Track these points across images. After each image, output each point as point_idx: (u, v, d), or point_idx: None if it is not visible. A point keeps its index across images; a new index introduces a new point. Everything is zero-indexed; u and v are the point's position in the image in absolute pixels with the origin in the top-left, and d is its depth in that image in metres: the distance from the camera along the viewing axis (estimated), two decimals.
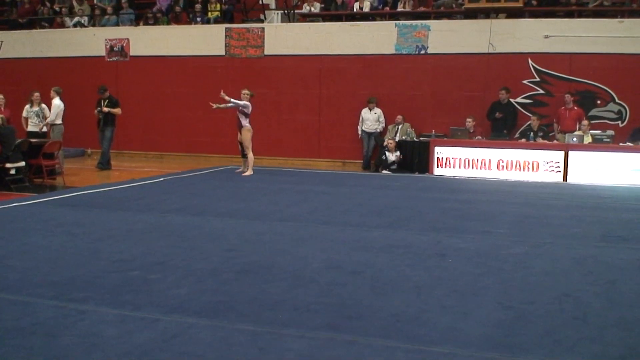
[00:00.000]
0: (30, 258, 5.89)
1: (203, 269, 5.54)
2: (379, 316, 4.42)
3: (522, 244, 6.81)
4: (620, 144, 12.89)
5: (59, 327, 4.11)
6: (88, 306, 4.52)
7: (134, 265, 5.59)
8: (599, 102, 13.77)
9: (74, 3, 18.81)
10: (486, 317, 4.45)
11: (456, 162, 13.39)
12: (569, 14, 14.37)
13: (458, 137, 13.60)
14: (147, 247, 6.29)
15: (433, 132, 14.04)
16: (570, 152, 12.72)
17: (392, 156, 13.93)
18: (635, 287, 5.26)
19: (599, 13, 14.12)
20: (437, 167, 13.49)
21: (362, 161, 15.12)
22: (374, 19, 15.80)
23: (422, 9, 15.36)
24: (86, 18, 18.26)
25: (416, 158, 13.93)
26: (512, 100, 14.12)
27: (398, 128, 14.59)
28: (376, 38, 15.11)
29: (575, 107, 13.56)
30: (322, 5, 16.31)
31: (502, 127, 13.91)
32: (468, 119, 13.89)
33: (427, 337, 4.03)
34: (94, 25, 18.06)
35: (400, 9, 15.48)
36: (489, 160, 13.18)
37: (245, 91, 12.71)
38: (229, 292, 4.91)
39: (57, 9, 18.95)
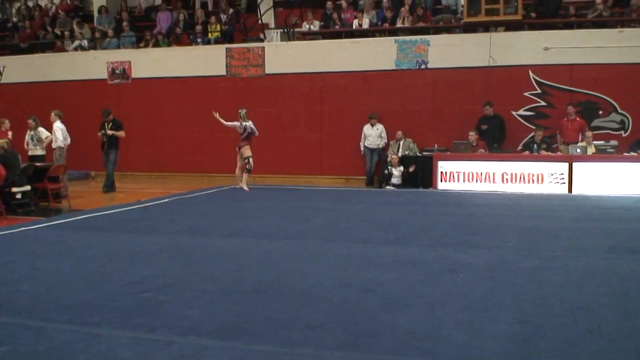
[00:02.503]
0: (41, 282, 5.88)
1: (214, 289, 5.53)
2: (393, 333, 4.40)
3: (532, 257, 6.80)
4: (625, 153, 12.90)
5: (74, 351, 4.10)
6: (102, 330, 4.51)
7: (144, 288, 5.58)
8: (601, 112, 13.81)
9: (75, 27, 18.93)
10: (501, 332, 4.44)
11: (460, 175, 13.40)
12: (569, 25, 14.45)
13: (461, 151, 13.62)
14: (156, 269, 6.28)
15: (435, 147, 14.08)
16: (574, 164, 12.73)
17: (395, 171, 13.95)
18: None
19: (599, 24, 14.19)
20: (441, 181, 13.50)
21: (365, 177, 15.14)
22: (373, 36, 15.88)
23: (421, 24, 15.43)
24: (86, 41, 18.36)
25: (420, 173, 13.94)
26: (513, 112, 14.16)
27: (400, 143, 14.62)
28: (376, 54, 15.20)
29: (578, 118, 13.60)
30: (322, 23, 16.41)
31: (491, 140, 13.93)
32: (470, 133, 13.92)
33: (444, 354, 4.02)
34: (95, 49, 18.16)
35: (399, 24, 15.57)
36: (493, 173, 13.19)
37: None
38: (241, 312, 4.90)
39: (58, 32, 19.07)
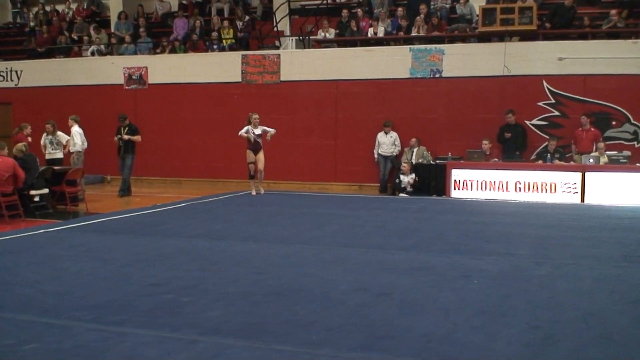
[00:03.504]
0: (64, 283, 6.04)
1: (233, 292, 5.66)
2: (409, 336, 4.52)
3: (545, 265, 6.90)
4: (637, 164, 12.94)
5: (100, 350, 4.24)
6: (126, 328, 4.65)
7: (166, 289, 5.72)
8: (614, 123, 13.85)
9: (92, 32, 19.20)
10: (515, 336, 4.54)
11: (473, 184, 13.49)
12: (583, 36, 14.51)
13: (474, 159, 13.71)
14: (176, 271, 6.43)
15: (449, 155, 14.17)
16: (587, 173, 12.80)
17: (406, 179, 14.07)
18: None
19: (613, 34, 14.24)
20: (454, 189, 13.60)
21: (378, 184, 15.24)
22: (388, 44, 16.00)
23: (436, 33, 15.54)
24: (103, 46, 18.61)
25: (433, 181, 14.05)
26: (527, 121, 14.24)
27: (413, 151, 14.72)
28: (391, 62, 15.32)
29: (592, 129, 13.66)
30: (337, 31, 16.56)
31: (513, 148, 14.01)
32: (484, 141, 14.01)
33: (460, 357, 4.13)
34: (111, 54, 18.40)
35: (414, 33, 15.69)
36: (506, 182, 13.27)
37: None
38: (261, 314, 5.03)
39: (75, 37, 19.33)
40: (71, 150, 13.80)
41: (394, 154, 15.04)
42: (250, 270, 6.49)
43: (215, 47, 17.39)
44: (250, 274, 6.32)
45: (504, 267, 6.76)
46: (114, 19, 19.51)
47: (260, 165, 13.70)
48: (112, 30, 19.24)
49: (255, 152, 13.60)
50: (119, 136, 14.14)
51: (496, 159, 13.87)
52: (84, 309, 5.15)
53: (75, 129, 13.84)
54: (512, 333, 4.62)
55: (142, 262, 6.89)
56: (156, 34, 18.88)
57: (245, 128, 13.57)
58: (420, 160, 14.50)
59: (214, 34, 17.50)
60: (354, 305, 5.25)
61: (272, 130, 13.64)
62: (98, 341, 4.40)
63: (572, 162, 13.54)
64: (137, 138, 14.29)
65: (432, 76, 15.03)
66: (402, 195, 14.01)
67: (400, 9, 16.32)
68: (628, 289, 5.89)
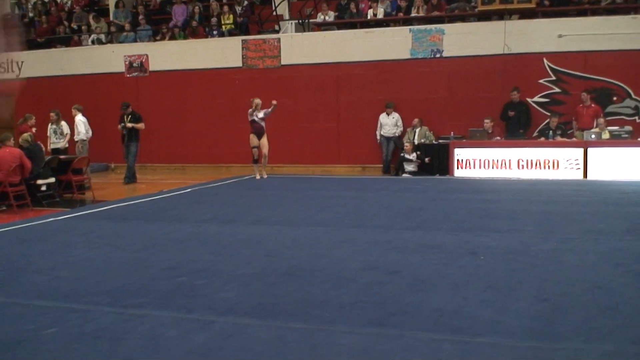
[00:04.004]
0: (79, 269, 6.14)
1: (246, 273, 5.77)
2: (421, 312, 4.63)
3: (550, 240, 7.00)
4: (639, 139, 13.02)
5: (121, 331, 4.35)
6: (145, 311, 4.76)
7: (180, 272, 5.83)
8: (615, 98, 13.92)
9: (91, 21, 19.21)
10: (524, 309, 4.65)
11: (476, 162, 13.59)
12: (582, 13, 14.54)
13: (477, 138, 13.80)
14: (189, 255, 6.54)
15: (452, 134, 14.26)
16: (589, 149, 12.89)
17: (410, 156, 14.18)
18: None
19: (612, 10, 14.27)
20: (458, 168, 13.70)
21: (381, 165, 15.34)
22: (388, 25, 16.01)
23: (435, 13, 15.55)
24: (103, 35, 18.63)
25: (436, 160, 14.14)
26: (528, 99, 14.30)
27: (416, 131, 14.80)
28: (391, 44, 15.35)
29: (593, 105, 13.72)
30: (336, 14, 16.57)
31: (517, 126, 14.09)
32: (486, 120, 14.08)
33: (471, 330, 4.24)
34: (111, 42, 18.43)
35: (414, 14, 15.71)
36: (509, 160, 13.37)
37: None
38: (275, 294, 5.14)
39: (74, 27, 19.34)
40: (75, 139, 13.91)
41: (397, 134, 15.12)
42: (261, 253, 6.60)
43: (215, 32, 17.42)
44: (262, 256, 6.44)
45: (510, 243, 6.86)
46: (112, 7, 19.48)
47: (265, 149, 13.77)
48: (111, 18, 19.24)
49: (259, 137, 13.67)
50: (123, 124, 14.22)
51: (498, 137, 13.95)
52: (101, 293, 5.26)
53: (79, 118, 13.95)
54: (521, 306, 4.73)
55: (154, 247, 7.00)
56: (155, 21, 18.89)
57: (250, 111, 13.61)
58: (422, 141, 14.58)
59: (214, 20, 17.51)
60: (365, 284, 5.36)
61: (273, 104, 13.55)
62: (118, 323, 4.52)
63: (573, 139, 13.63)
64: (141, 125, 14.37)
65: (432, 56, 15.07)
66: (405, 175, 14.11)
67: None
68: (633, 261, 6.00)
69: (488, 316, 4.50)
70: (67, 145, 13.95)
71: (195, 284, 5.47)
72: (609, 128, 13.26)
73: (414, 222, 8.31)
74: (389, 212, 9.11)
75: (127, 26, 18.29)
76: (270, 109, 13.53)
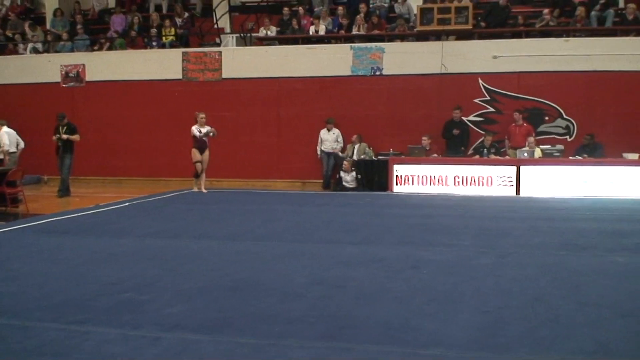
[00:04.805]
0: (19, 284, 5.96)
1: (192, 288, 5.72)
2: (369, 325, 4.70)
3: (488, 254, 7.21)
4: (570, 157, 13.55)
5: (65, 348, 4.25)
6: (89, 327, 4.66)
7: (123, 288, 5.73)
8: (547, 118, 14.45)
9: (27, 29, 18.69)
10: (467, 321, 4.78)
11: (414, 179, 13.84)
12: (517, 35, 15.08)
13: (415, 155, 14.07)
14: (132, 270, 6.43)
15: (391, 151, 14.49)
16: (522, 167, 13.32)
17: (347, 176, 14.35)
18: (599, 290, 5.68)
19: (546, 33, 14.83)
20: (397, 184, 13.91)
21: (322, 181, 15.44)
22: (329, 42, 16.19)
23: (376, 31, 15.83)
24: (40, 44, 18.16)
25: (375, 176, 14.34)
26: (464, 118, 14.69)
27: (355, 147, 14.97)
28: (332, 60, 15.53)
29: (525, 124, 14.21)
30: (278, 29, 16.65)
31: (459, 144, 14.44)
32: (424, 138, 14.38)
33: (418, 342, 4.33)
34: (48, 52, 17.97)
35: (355, 32, 15.94)
36: (446, 176, 13.68)
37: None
38: (222, 308, 5.12)
39: (9, 34, 18.79)
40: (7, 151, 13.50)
41: (337, 150, 15.26)
42: (206, 267, 6.55)
43: (154, 44, 17.22)
44: (206, 271, 6.39)
45: (451, 257, 7.04)
46: (49, 16, 19.01)
47: (205, 164, 13.73)
48: (48, 27, 18.78)
49: (202, 151, 13.61)
50: (58, 135, 13.85)
51: (436, 155, 14.26)
52: (43, 308, 5.13)
53: (5, 130, 13.59)
54: (464, 318, 4.86)
55: (95, 262, 6.85)
56: (93, 31, 18.54)
57: (194, 127, 13.55)
58: (362, 157, 14.76)
59: (153, 31, 17.32)
60: (313, 298, 5.40)
61: (212, 130, 13.69)
62: (61, 340, 4.41)
63: (507, 157, 14.06)
64: (76, 137, 14.03)
65: (372, 74, 15.32)
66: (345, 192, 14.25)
67: (340, 7, 16.57)
68: (569, 275, 6.24)
69: (433, 328, 4.61)
70: (1, 157, 13.48)
71: (139, 299, 5.39)
72: (541, 146, 13.75)
73: (356, 236, 8.41)
74: (332, 227, 9.19)
75: (65, 35, 17.88)
76: (211, 133, 13.58)
